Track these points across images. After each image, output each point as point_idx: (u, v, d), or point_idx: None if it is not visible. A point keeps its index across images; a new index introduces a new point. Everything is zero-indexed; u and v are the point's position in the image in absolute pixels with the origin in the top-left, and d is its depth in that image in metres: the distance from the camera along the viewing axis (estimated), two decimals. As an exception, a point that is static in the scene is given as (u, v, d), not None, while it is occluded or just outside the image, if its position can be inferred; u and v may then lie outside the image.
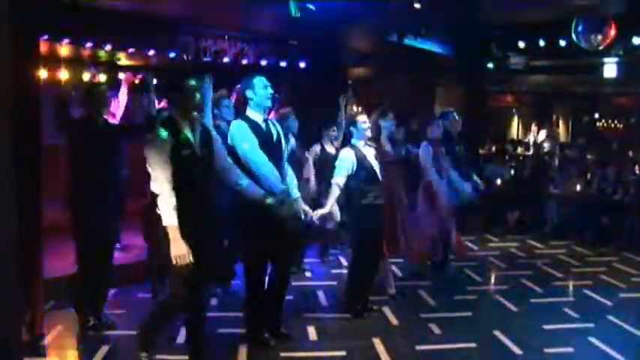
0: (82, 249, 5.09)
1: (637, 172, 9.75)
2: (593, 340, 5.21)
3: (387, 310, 5.87)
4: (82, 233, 5.07)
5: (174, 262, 3.85)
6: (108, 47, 8.33)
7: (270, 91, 4.86)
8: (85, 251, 5.08)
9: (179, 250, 3.85)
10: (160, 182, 3.87)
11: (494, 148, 13.43)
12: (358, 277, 5.72)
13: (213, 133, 4.32)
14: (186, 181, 3.98)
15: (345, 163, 5.55)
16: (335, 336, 5.26)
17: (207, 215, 4.13)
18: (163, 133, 3.94)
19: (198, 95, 4.13)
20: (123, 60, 9.62)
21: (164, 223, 3.87)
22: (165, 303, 4.32)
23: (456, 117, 7.19)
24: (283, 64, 10.01)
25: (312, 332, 5.33)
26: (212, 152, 4.20)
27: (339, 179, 5.53)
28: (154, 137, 3.94)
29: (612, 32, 8.29)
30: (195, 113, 4.16)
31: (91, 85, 6.98)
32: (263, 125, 4.81)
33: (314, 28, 8.19)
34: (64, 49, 8.39)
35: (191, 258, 3.86)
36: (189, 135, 4.05)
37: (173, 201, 3.86)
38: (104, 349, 4.81)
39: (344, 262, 7.64)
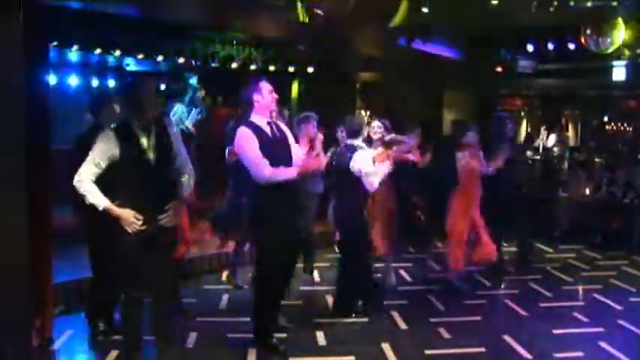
0: (95, 254, 5.10)
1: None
2: (603, 344, 5.19)
3: (395, 315, 5.86)
4: (95, 238, 5.07)
5: (128, 229, 4.03)
6: (116, 53, 8.39)
7: (275, 95, 4.89)
8: (98, 256, 5.09)
9: (126, 214, 4.04)
10: (84, 177, 4.03)
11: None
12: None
13: (172, 134, 4.45)
14: (134, 184, 4.17)
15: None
16: (344, 341, 5.25)
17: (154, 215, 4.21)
18: (110, 136, 4.09)
19: (151, 100, 4.24)
20: (132, 66, 9.69)
21: (101, 208, 4.03)
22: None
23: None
24: (291, 69, 10.04)
25: (320, 337, 5.33)
26: (169, 154, 4.30)
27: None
28: (101, 137, 4.12)
29: (621, 35, 8.27)
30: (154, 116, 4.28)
31: None
32: (267, 128, 4.83)
33: (322, 32, 8.21)
34: (74, 55, 8.46)
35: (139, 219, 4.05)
36: (143, 139, 4.17)
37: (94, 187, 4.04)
38: (114, 354, 4.84)
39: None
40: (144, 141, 4.18)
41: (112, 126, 4.26)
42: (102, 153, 4.07)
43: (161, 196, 4.24)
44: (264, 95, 4.83)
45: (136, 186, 4.20)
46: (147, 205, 4.16)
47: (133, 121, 4.19)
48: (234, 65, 9.26)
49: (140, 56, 8.66)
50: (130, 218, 4.06)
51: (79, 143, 4.82)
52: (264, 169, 4.62)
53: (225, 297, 6.40)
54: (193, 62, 9.02)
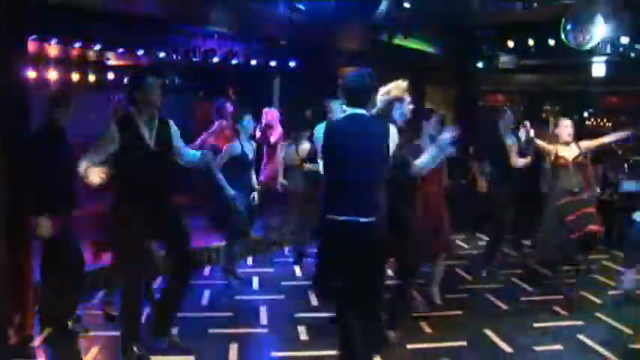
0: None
1: (626, 170, 9.77)
2: (582, 337, 5.24)
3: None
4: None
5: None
6: (97, 47, 8.30)
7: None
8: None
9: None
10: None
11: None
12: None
13: (173, 127, 4.61)
14: (137, 174, 4.37)
15: None
16: (326, 335, 5.24)
17: (155, 204, 4.43)
18: (113, 128, 4.30)
19: (156, 93, 4.42)
20: (112, 60, 9.60)
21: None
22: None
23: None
24: (273, 63, 10.01)
25: (302, 332, 5.33)
26: (170, 146, 4.54)
27: None
28: (105, 129, 4.34)
29: (600, 31, 8.32)
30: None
31: None
32: None
33: (304, 27, 8.20)
34: (53, 49, 8.36)
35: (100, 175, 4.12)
36: (145, 131, 4.38)
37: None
38: (94, 351, 4.80)
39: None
40: (146, 133, 4.40)
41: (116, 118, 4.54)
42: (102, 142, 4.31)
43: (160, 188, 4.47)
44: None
45: (137, 177, 4.39)
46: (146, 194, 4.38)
47: (138, 115, 4.39)
48: (215, 60, 9.20)
49: (120, 50, 8.58)
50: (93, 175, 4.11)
51: (33, 139, 4.84)
52: None
53: (207, 292, 6.37)
54: (174, 56, 8.94)
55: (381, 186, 3.95)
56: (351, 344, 4.01)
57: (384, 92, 4.16)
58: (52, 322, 5.09)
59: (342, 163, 3.92)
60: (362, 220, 3.84)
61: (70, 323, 5.07)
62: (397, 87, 4.18)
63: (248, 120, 6.46)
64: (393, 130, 4.03)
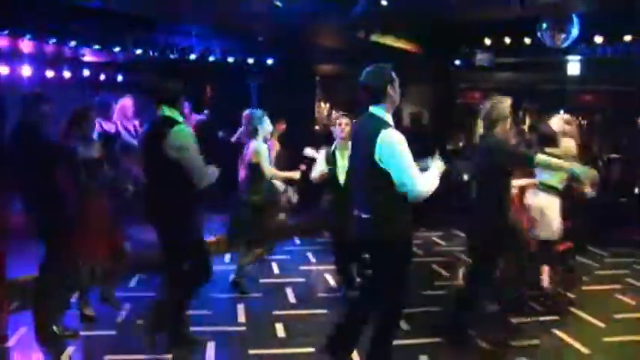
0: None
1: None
2: (557, 331, 5.31)
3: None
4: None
5: None
6: (72, 44, 8.21)
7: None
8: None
9: None
10: None
11: (461, 144, 13.52)
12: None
13: None
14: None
15: None
16: (303, 333, 5.26)
17: None
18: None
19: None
20: (88, 57, 9.49)
21: None
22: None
23: None
24: (251, 60, 9.98)
25: (280, 329, 5.33)
26: None
27: None
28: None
29: (575, 30, 8.42)
30: None
31: None
32: None
33: (282, 24, 8.18)
34: (27, 45, 8.25)
35: None
36: None
37: None
38: (69, 351, 4.76)
39: (312, 258, 7.67)
40: None
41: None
42: None
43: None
44: None
45: None
46: None
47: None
48: (192, 57, 9.16)
49: (96, 47, 8.48)
50: None
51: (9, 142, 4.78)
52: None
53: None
54: (151, 53, 8.88)
55: (375, 187, 3.91)
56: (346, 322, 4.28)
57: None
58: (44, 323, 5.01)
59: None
60: (364, 216, 3.94)
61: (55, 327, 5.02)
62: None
63: (267, 122, 6.27)
64: (390, 134, 3.82)
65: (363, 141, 3.92)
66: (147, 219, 4.58)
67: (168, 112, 4.45)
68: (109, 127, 7.22)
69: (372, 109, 4.01)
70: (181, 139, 4.34)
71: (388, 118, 3.99)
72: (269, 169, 6.08)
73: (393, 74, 4.04)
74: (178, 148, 4.31)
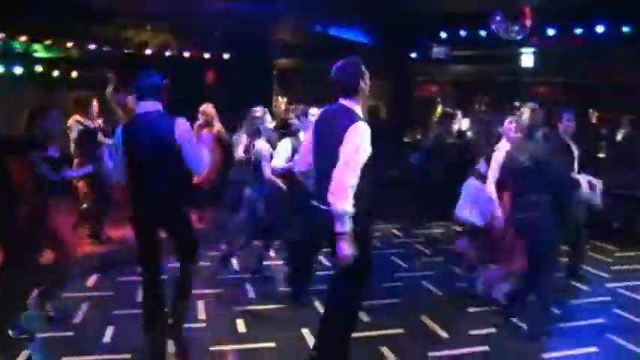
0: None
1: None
2: (515, 321, 5.40)
3: (315, 301, 5.88)
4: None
5: None
6: (23, 38, 8.02)
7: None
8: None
9: None
10: None
11: (418, 137, 13.63)
12: None
13: None
14: None
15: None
16: (264, 327, 5.24)
17: None
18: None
19: None
20: (40, 52, 9.29)
21: None
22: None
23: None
24: (207, 55, 9.90)
25: (240, 324, 5.30)
26: None
27: None
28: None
29: (528, 23, 8.56)
30: None
31: None
32: None
33: (239, 18, 8.13)
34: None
35: None
36: None
37: None
38: (25, 354, 4.66)
39: (271, 252, 7.64)
40: None
41: None
42: None
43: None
44: None
45: None
46: None
47: None
48: (148, 51, 9.04)
49: (48, 42, 8.30)
50: None
51: None
52: None
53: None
54: (105, 48, 8.73)
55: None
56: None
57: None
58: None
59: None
60: (323, 207, 3.88)
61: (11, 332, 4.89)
62: None
63: (269, 120, 6.40)
64: (362, 128, 3.82)
65: (334, 132, 3.86)
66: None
67: None
68: (89, 123, 7.07)
69: (343, 101, 3.98)
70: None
71: (359, 110, 3.97)
72: (269, 168, 6.13)
73: (363, 68, 4.02)
74: None
